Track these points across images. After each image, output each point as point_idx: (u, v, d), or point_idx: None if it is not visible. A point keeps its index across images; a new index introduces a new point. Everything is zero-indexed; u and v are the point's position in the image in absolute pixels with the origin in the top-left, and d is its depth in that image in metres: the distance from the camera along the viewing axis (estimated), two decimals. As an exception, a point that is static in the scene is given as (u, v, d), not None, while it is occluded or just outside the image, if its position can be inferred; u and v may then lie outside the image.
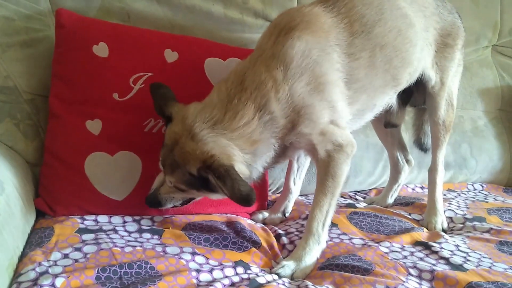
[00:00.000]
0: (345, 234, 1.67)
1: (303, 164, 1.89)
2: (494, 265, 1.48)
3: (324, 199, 1.52)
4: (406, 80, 1.72)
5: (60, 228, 1.47)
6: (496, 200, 2.26)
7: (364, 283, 1.29)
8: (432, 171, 1.95)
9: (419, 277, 1.39)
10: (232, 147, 1.42)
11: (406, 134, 2.17)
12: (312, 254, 1.48)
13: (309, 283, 1.31)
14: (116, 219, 1.61)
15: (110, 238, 1.44)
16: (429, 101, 1.88)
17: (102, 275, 1.23)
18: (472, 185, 2.47)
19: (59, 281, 1.17)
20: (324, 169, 1.53)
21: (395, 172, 2.13)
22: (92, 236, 1.45)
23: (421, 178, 2.37)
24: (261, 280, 1.31)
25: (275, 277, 1.38)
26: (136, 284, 1.20)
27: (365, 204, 2.08)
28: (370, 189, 2.32)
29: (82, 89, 1.69)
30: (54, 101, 1.69)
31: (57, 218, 1.56)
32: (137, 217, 1.64)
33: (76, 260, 1.30)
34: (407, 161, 2.13)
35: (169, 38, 1.85)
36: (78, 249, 1.35)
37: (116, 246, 1.39)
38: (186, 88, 1.78)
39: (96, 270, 1.24)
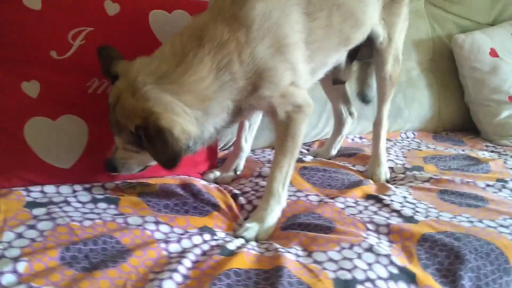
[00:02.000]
0: (300, 191, 1.69)
1: (254, 122, 1.87)
2: (440, 215, 1.57)
3: (284, 160, 1.52)
4: (359, 39, 1.73)
5: (5, 203, 1.35)
6: (428, 148, 2.40)
7: (330, 242, 1.33)
8: (377, 125, 2.01)
9: (377, 231, 1.45)
10: (175, 104, 1.35)
11: (349, 87, 2.21)
12: (274, 214, 1.50)
13: (277, 245, 1.32)
14: (65, 189, 1.50)
15: (64, 211, 1.35)
16: (376, 56, 1.90)
17: (67, 255, 1.15)
18: (405, 133, 2.59)
19: (21, 266, 1.08)
20: (284, 130, 1.52)
21: (339, 125, 2.18)
22: (43, 210, 1.35)
23: (360, 129, 2.45)
24: (230, 246, 1.30)
25: (242, 241, 1.38)
26: (106, 262, 1.14)
27: (311, 157, 2.12)
28: (313, 141, 2.37)
29: (13, 46, 1.52)
30: (-20, 60, 1.51)
31: (-2, 191, 1.43)
32: (87, 185, 1.55)
33: (33, 240, 1.21)
34: (351, 113, 2.19)
35: (109, -13, 1.68)
36: (32, 227, 1.25)
37: (73, 220, 1.30)
38: (131, 43, 1.65)
39: (59, 250, 1.16)
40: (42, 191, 1.46)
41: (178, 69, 1.37)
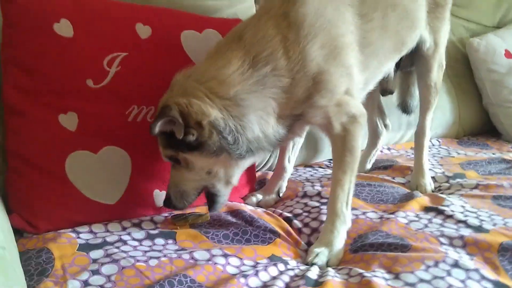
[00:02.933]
0: (355, 209, 1.60)
1: (298, 141, 1.79)
2: (506, 222, 1.51)
3: (344, 177, 1.43)
4: (412, 42, 1.67)
5: (58, 249, 1.22)
6: (459, 154, 2.35)
7: (413, 261, 1.24)
8: (420, 134, 1.94)
9: (452, 245, 1.37)
10: (198, 89, 1.29)
11: (384, 99, 2.15)
12: (341, 236, 1.40)
13: (359, 270, 1.23)
14: (114, 226, 1.39)
15: (123, 251, 1.24)
16: (421, 64, 1.85)
17: (145, 301, 1.04)
18: (430, 141, 2.54)
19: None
20: (341, 144, 1.44)
21: (374, 137, 2.12)
22: (101, 252, 1.23)
23: (387, 139, 2.39)
24: (312, 275, 1.20)
25: (317, 268, 1.28)
26: (192, 305, 1.03)
27: (348, 173, 2.04)
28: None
29: (47, 77, 1.41)
30: (12, 94, 1.39)
31: (43, 235, 1.31)
32: (135, 221, 1.44)
33: (102, 287, 1.09)
34: (385, 125, 2.13)
35: (138, 10, 1.60)
36: (96, 272, 1.13)
37: (138, 261, 1.18)
38: (165, 65, 1.57)
39: (137, 296, 1.04)
40: (91, 231, 1.35)
41: (207, 62, 1.36)
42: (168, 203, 1.38)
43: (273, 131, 1.38)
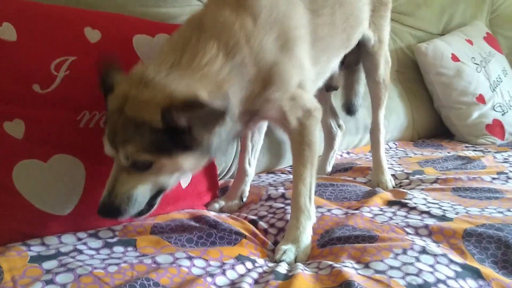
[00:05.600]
0: (320, 207, 1.58)
1: (257, 142, 1.76)
2: (468, 210, 1.53)
3: (305, 171, 1.42)
4: (356, 40, 1.70)
5: (6, 261, 1.13)
6: (415, 154, 2.39)
7: (381, 250, 1.23)
8: (375, 132, 1.97)
9: (417, 234, 1.37)
10: (197, 87, 1.16)
11: (334, 100, 2.16)
12: (307, 232, 1.37)
13: (329, 262, 1.20)
14: (68, 238, 1.30)
15: (79, 261, 1.15)
16: (368, 61, 1.88)
17: (105, 306, 0.96)
18: (387, 144, 2.57)
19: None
20: (299, 139, 1.43)
21: (330, 139, 2.12)
22: (55, 263, 1.14)
23: (346, 144, 2.40)
24: (281, 270, 1.16)
25: (284, 264, 1.24)
26: (156, 307, 0.96)
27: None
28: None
29: (-11, 83, 1.32)
30: (-49, 101, 1.30)
31: (-10, 250, 1.21)
32: (91, 231, 1.35)
33: (57, 297, 1.00)
34: (339, 126, 2.14)
35: (86, 14, 1.54)
36: (50, 282, 1.05)
37: (95, 268, 1.11)
38: (118, 70, 1.51)
39: (96, 301, 0.96)
40: (43, 244, 1.25)
41: (185, 57, 1.23)
42: (111, 211, 1.19)
43: (235, 127, 1.32)
